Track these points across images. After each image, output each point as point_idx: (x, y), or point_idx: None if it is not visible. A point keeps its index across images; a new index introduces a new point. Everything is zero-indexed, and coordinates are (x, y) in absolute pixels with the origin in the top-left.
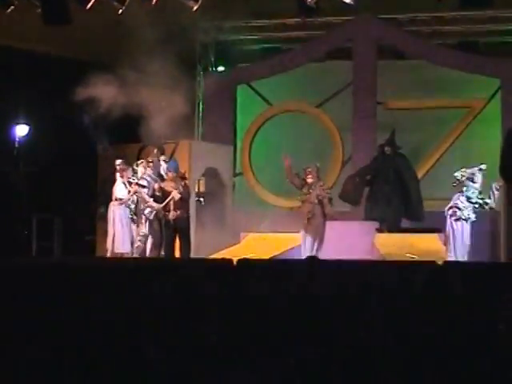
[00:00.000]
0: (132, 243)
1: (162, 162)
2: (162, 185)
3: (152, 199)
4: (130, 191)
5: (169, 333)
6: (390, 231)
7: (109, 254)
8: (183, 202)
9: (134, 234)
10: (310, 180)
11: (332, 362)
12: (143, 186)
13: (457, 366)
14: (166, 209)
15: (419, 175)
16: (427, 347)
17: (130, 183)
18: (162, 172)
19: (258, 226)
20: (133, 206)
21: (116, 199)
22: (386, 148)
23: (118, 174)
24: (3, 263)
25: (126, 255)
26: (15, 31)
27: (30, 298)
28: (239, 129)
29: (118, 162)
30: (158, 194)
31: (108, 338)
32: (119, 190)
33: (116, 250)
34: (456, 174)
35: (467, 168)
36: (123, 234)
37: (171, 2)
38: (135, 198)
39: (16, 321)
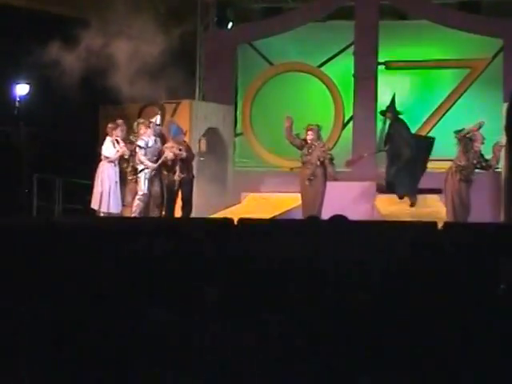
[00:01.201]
0: (119, 202)
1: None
2: (164, 146)
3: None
4: (118, 150)
5: (169, 292)
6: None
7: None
8: (187, 164)
9: (127, 193)
10: (309, 137)
11: (331, 321)
12: (140, 147)
13: (457, 326)
14: (170, 170)
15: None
16: (427, 307)
17: (118, 142)
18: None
19: (259, 186)
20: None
21: (104, 157)
22: (388, 114)
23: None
24: (3, 222)
25: (113, 215)
26: None
27: (29, 257)
28: (240, 89)
29: (120, 121)
30: (168, 157)
31: (108, 298)
32: (106, 148)
33: (103, 210)
34: (455, 133)
35: (467, 127)
36: (112, 193)
37: None
38: (126, 156)
39: (14, 280)
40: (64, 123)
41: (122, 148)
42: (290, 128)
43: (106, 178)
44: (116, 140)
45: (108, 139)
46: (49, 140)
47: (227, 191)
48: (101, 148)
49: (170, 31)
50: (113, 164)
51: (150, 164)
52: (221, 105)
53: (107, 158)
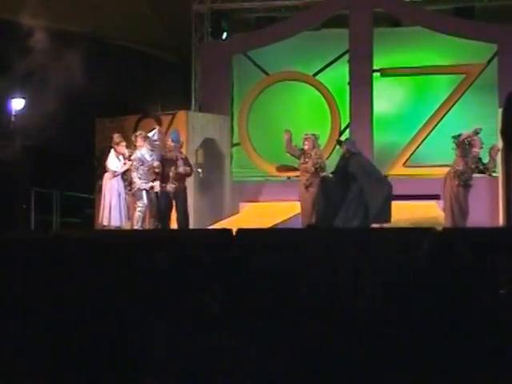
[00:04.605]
0: (124, 216)
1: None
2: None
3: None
4: (125, 163)
5: (169, 304)
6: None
7: (101, 227)
8: (181, 174)
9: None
10: (305, 147)
11: (331, 331)
12: (134, 161)
13: (458, 331)
14: (163, 180)
15: (417, 143)
16: (427, 313)
17: (124, 156)
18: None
19: (257, 195)
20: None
21: (111, 172)
22: (343, 146)
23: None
24: (2, 237)
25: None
26: (12, 4)
27: (28, 272)
28: (236, 99)
29: (116, 135)
30: (156, 170)
31: (107, 311)
32: (111, 162)
33: (105, 223)
34: (454, 138)
35: (464, 132)
36: (113, 206)
37: None
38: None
39: (13, 295)
40: (60, 137)
41: (127, 161)
42: (289, 141)
43: (107, 191)
44: (122, 154)
45: (112, 153)
46: (45, 154)
47: (225, 202)
48: (97, 160)
49: (165, 42)
50: (117, 177)
51: (137, 182)
52: (217, 115)
53: (114, 172)
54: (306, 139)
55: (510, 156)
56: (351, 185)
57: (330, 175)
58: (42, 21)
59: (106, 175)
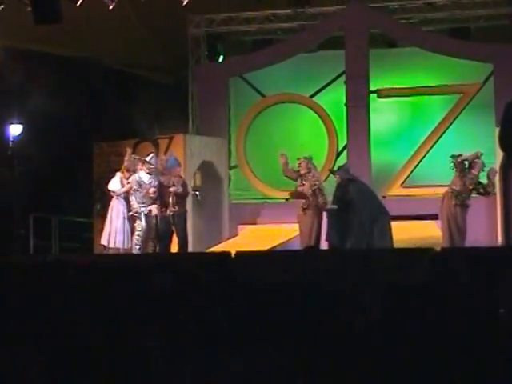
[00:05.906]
0: (128, 239)
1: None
2: (162, 180)
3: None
4: (124, 184)
5: (170, 326)
6: None
7: (105, 249)
8: (180, 198)
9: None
10: (301, 171)
11: (330, 348)
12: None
13: (457, 350)
14: (163, 204)
15: (414, 163)
16: (426, 333)
17: (128, 179)
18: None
19: (255, 218)
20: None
21: (112, 192)
22: (337, 175)
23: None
24: (1, 262)
25: (121, 250)
26: (6, 30)
27: (28, 297)
28: (233, 121)
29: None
30: (152, 196)
31: (109, 333)
32: (113, 183)
33: (111, 245)
34: (452, 158)
35: (465, 154)
36: (119, 229)
37: None
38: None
39: (13, 319)
40: (58, 162)
41: (129, 183)
42: (285, 164)
43: (115, 214)
44: (125, 178)
45: (118, 175)
46: (44, 179)
47: (223, 224)
48: (95, 184)
49: (162, 65)
50: (122, 200)
51: (135, 205)
52: (214, 138)
53: (114, 192)
54: (300, 163)
55: (508, 170)
56: (350, 211)
57: (334, 206)
58: (40, 46)
59: (113, 199)
